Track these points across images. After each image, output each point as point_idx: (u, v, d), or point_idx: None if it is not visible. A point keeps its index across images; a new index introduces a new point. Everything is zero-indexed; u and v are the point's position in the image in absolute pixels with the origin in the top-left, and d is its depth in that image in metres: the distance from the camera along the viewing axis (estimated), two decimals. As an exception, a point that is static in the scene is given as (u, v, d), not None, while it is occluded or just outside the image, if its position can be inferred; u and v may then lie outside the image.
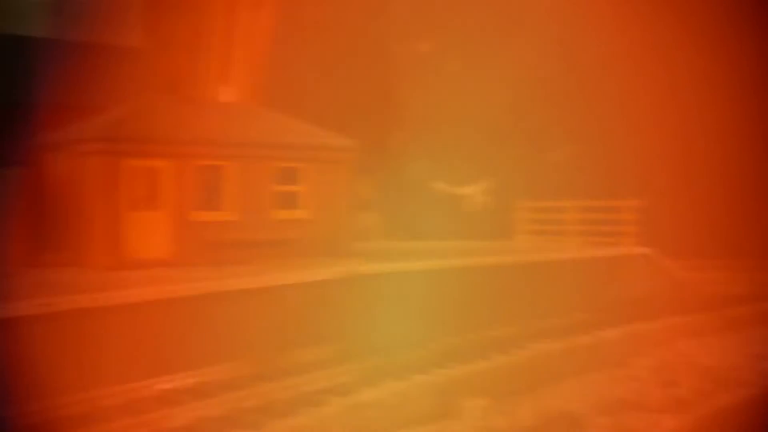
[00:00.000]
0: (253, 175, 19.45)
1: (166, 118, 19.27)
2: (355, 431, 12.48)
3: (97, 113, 19.56)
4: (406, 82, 32.74)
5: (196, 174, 18.65)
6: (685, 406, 14.16)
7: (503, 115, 31.85)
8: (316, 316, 16.44)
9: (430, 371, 14.75)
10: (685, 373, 15.88)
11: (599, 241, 24.83)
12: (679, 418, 13.60)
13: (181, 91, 20.71)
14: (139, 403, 12.66)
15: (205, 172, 18.80)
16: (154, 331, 13.95)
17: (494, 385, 14.68)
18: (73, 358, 12.73)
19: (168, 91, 20.65)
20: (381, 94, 32.56)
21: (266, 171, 19.66)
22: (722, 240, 29.95)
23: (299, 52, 29.36)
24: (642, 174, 30.29)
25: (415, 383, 14.01)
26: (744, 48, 30.30)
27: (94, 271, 17.08)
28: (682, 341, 18.81)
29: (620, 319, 19.91)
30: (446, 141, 32.16)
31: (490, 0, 32.40)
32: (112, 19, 27.62)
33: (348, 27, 31.56)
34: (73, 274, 16.47)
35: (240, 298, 15.33)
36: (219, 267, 17.39)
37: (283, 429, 11.79)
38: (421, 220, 30.69)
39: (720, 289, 24.91)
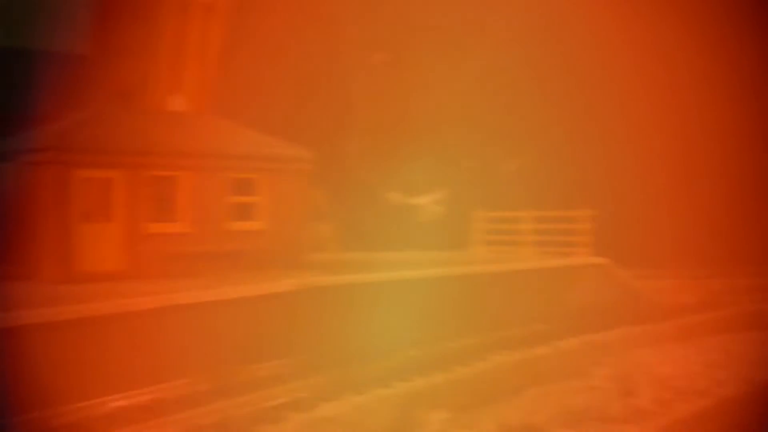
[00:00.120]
0: (207, 186, 19.12)
1: (118, 128, 18.85)
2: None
3: (47, 122, 19.08)
4: (361, 91, 32.65)
5: (149, 184, 18.26)
6: (646, 416, 14.20)
7: (459, 125, 31.90)
8: (273, 329, 16.18)
9: (390, 384, 14.65)
10: (644, 382, 15.92)
11: (554, 251, 24.91)
12: (640, 428, 13.60)
13: (132, 99, 20.38)
14: (92, 422, 12.34)
15: (158, 182, 18.42)
16: (106, 347, 13.60)
17: (455, 398, 14.53)
18: (20, 376, 12.30)
19: (119, 99, 20.29)
20: (336, 104, 32.42)
21: (220, 181, 19.35)
22: (679, 249, 30.27)
23: (252, 61, 29.07)
24: (595, 184, 30.52)
25: (374, 397, 13.86)
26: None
27: (44, 284, 16.62)
28: (640, 350, 18.92)
29: (578, 329, 20.00)
30: (401, 151, 32.11)
31: (447, 8, 32.42)
32: (62, 26, 27.09)
33: (302, 36, 31.40)
34: (22, 288, 15.96)
35: (195, 312, 15.02)
36: (173, 280, 17.09)
37: (242, 447, 11.57)
38: (376, 230, 30.58)
39: (675, 298, 25.15)
